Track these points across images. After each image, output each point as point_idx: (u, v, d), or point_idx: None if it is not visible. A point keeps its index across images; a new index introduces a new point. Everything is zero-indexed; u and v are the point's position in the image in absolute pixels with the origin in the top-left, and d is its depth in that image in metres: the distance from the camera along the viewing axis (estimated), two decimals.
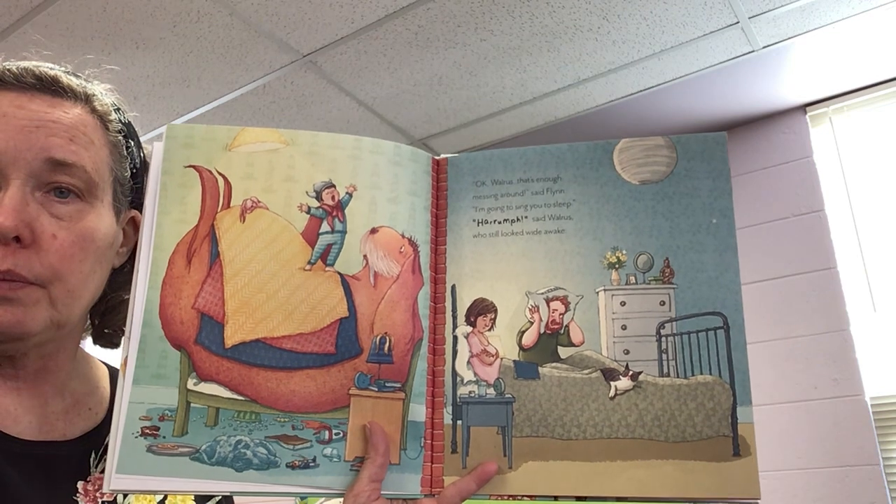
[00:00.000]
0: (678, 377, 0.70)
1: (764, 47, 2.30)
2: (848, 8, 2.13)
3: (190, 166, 0.71)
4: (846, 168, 2.65)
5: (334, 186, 0.72)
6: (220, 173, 0.71)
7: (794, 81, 2.53)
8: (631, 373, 0.70)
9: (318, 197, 0.72)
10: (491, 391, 0.71)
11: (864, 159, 2.63)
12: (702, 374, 0.69)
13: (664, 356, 0.70)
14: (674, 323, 0.71)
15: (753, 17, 2.15)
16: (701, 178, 0.73)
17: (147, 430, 0.65)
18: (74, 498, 0.71)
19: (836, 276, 2.53)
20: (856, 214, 2.61)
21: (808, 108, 2.70)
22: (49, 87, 0.70)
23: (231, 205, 0.71)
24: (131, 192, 0.77)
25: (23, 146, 0.66)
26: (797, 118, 2.71)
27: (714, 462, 0.67)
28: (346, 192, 0.72)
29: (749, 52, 2.33)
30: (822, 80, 2.53)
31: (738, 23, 2.17)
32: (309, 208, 0.71)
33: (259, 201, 0.71)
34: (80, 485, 0.71)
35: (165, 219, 0.70)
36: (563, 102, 2.59)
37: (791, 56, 2.37)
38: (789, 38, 2.26)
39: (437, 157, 0.77)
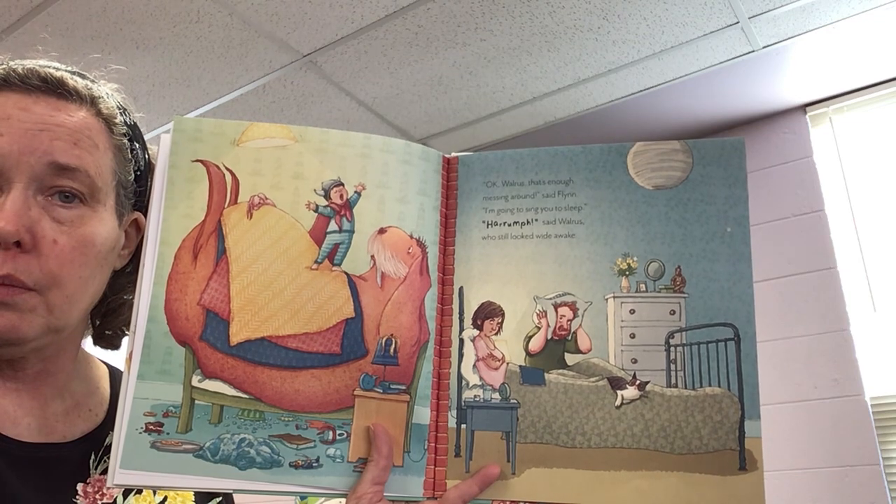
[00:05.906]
0: (686, 388, 0.69)
1: (764, 47, 2.30)
2: (848, 8, 2.13)
3: (197, 160, 0.70)
4: (846, 168, 2.65)
5: (343, 185, 0.71)
6: (227, 168, 0.71)
7: (794, 81, 2.53)
8: (638, 382, 0.69)
9: (327, 195, 0.71)
10: (496, 396, 0.70)
11: (864, 159, 2.63)
12: (710, 385, 0.68)
13: (672, 366, 0.69)
14: (683, 333, 0.69)
15: (753, 17, 2.15)
16: (717, 184, 0.71)
17: (151, 426, 0.65)
18: (74, 500, 0.70)
19: (836, 276, 2.53)
20: (856, 214, 2.61)
21: (808, 108, 2.69)
22: (54, 90, 0.69)
23: (238, 201, 0.70)
24: (134, 194, 0.76)
25: (26, 149, 0.66)
26: (797, 118, 2.71)
27: (719, 475, 0.66)
28: (355, 191, 0.71)
29: (749, 52, 2.33)
30: (822, 80, 2.53)
31: (738, 23, 2.17)
32: (317, 206, 0.71)
33: (266, 198, 0.70)
34: (79, 487, 0.71)
35: (172, 213, 0.69)
36: (563, 102, 2.58)
37: (791, 56, 2.37)
38: (789, 38, 2.26)
39: (447, 156, 0.76)
